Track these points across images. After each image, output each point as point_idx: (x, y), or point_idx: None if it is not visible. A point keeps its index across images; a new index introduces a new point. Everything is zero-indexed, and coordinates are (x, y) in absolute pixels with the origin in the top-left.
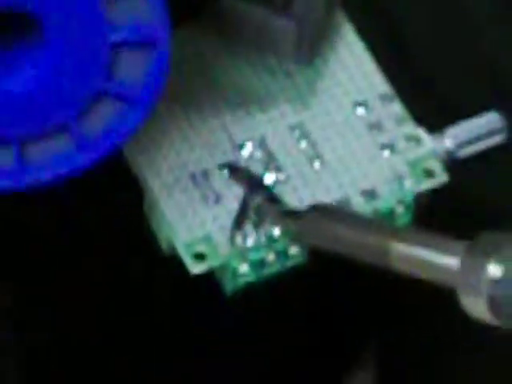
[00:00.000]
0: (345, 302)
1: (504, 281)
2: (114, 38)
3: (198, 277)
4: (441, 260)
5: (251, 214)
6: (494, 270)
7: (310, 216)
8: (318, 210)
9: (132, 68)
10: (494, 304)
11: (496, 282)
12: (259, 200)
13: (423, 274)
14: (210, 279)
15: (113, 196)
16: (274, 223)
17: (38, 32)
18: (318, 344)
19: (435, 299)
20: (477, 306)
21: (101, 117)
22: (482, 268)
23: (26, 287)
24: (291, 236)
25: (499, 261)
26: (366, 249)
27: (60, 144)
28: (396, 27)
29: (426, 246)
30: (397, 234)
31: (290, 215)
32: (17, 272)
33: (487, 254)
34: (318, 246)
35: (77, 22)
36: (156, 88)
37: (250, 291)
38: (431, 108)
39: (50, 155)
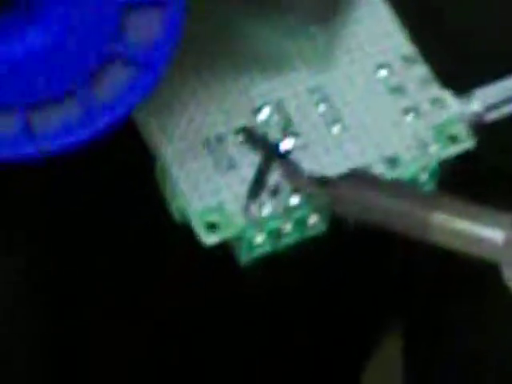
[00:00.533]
0: (366, 277)
1: None
2: None
3: (212, 246)
4: (485, 233)
5: (267, 182)
6: None
7: (344, 183)
8: (352, 177)
9: (143, 29)
10: None
11: None
12: (279, 167)
13: (465, 248)
14: (224, 249)
15: (122, 162)
16: (297, 191)
17: None
18: (342, 314)
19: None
20: None
21: (110, 81)
22: None
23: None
24: (314, 205)
25: None
26: (405, 218)
27: (68, 111)
28: None
29: (469, 217)
30: (438, 203)
31: (321, 183)
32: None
33: None
34: (351, 215)
35: None
36: (169, 50)
37: (267, 262)
38: (458, 69)
39: (58, 123)
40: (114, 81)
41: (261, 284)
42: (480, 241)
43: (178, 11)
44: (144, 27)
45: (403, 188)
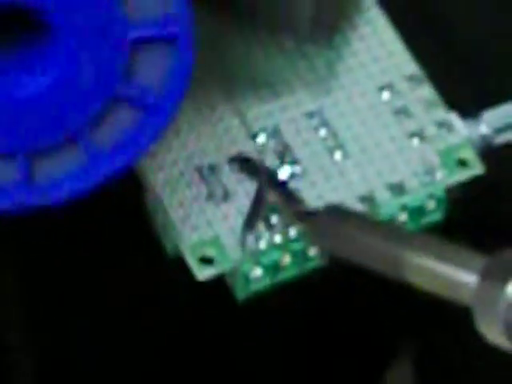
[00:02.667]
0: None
1: None
2: (132, 34)
3: (207, 282)
4: (457, 275)
5: (264, 213)
6: None
7: (322, 218)
8: (330, 211)
9: (152, 70)
10: (509, 329)
11: None
12: (273, 197)
13: (438, 290)
14: (219, 284)
15: (111, 192)
16: (290, 223)
17: (47, 32)
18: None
19: None
20: (492, 329)
21: (117, 126)
22: (500, 288)
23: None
24: (308, 238)
25: None
26: (379, 257)
27: (72, 157)
28: None
29: (442, 258)
30: (411, 242)
31: (304, 216)
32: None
33: (507, 274)
34: (331, 250)
35: (89, 18)
36: (179, 93)
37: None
38: (465, 91)
39: (61, 170)
40: (120, 125)
41: (265, 307)
42: (452, 283)
43: (189, 49)
44: (153, 67)
45: (380, 225)
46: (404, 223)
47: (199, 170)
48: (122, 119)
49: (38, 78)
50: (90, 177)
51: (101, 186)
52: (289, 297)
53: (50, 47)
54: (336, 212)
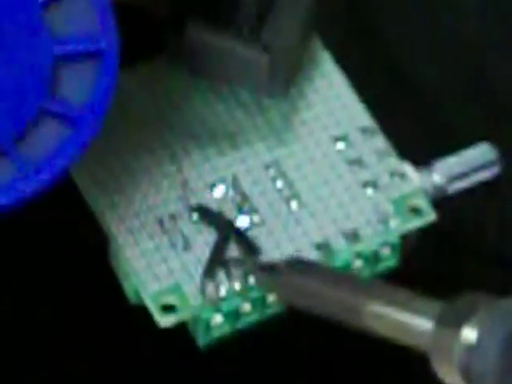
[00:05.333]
0: None
1: (478, 349)
2: (57, 49)
3: (169, 329)
4: (413, 322)
5: (224, 261)
6: (468, 336)
7: (283, 270)
8: (291, 263)
9: (75, 84)
10: (466, 373)
11: (469, 349)
12: (233, 246)
13: (395, 336)
14: (182, 331)
15: (73, 240)
16: (249, 272)
17: None
18: None
19: None
20: (449, 374)
21: (43, 139)
22: (455, 334)
23: None
24: (266, 289)
25: (474, 327)
26: (339, 306)
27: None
28: (381, 51)
29: (399, 305)
30: (369, 291)
31: (264, 267)
32: None
33: (462, 319)
34: (291, 301)
35: (13, 32)
36: (103, 106)
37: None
38: (417, 141)
39: None
40: (46, 138)
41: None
42: (409, 330)
43: (112, 63)
44: (77, 81)
45: (338, 275)
46: (359, 270)
47: (160, 220)
48: (48, 132)
49: None
50: (17, 190)
51: (27, 201)
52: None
53: None
54: (296, 264)
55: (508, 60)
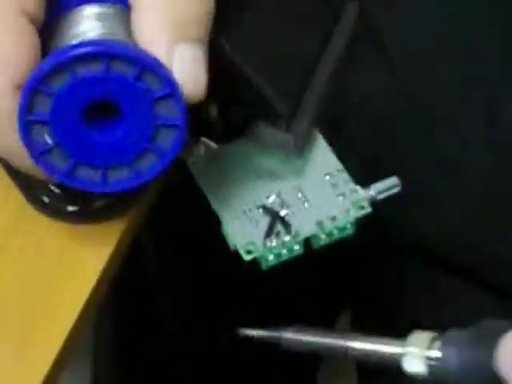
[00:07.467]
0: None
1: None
2: (157, 121)
3: (249, 261)
4: (384, 349)
5: (274, 230)
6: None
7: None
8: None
9: (165, 139)
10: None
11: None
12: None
13: (372, 360)
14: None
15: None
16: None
17: (118, 111)
18: None
19: None
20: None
21: (146, 161)
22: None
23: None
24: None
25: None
26: (332, 348)
27: (124, 172)
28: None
29: (373, 341)
30: (353, 335)
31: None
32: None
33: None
34: (294, 348)
35: (137, 109)
36: (176, 150)
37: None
38: None
39: (119, 178)
40: (148, 161)
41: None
42: (383, 355)
43: (183, 133)
44: (165, 138)
45: (330, 332)
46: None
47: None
48: (148, 159)
49: (110, 133)
50: (137, 182)
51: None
52: None
53: (118, 119)
54: (300, 329)
55: None
